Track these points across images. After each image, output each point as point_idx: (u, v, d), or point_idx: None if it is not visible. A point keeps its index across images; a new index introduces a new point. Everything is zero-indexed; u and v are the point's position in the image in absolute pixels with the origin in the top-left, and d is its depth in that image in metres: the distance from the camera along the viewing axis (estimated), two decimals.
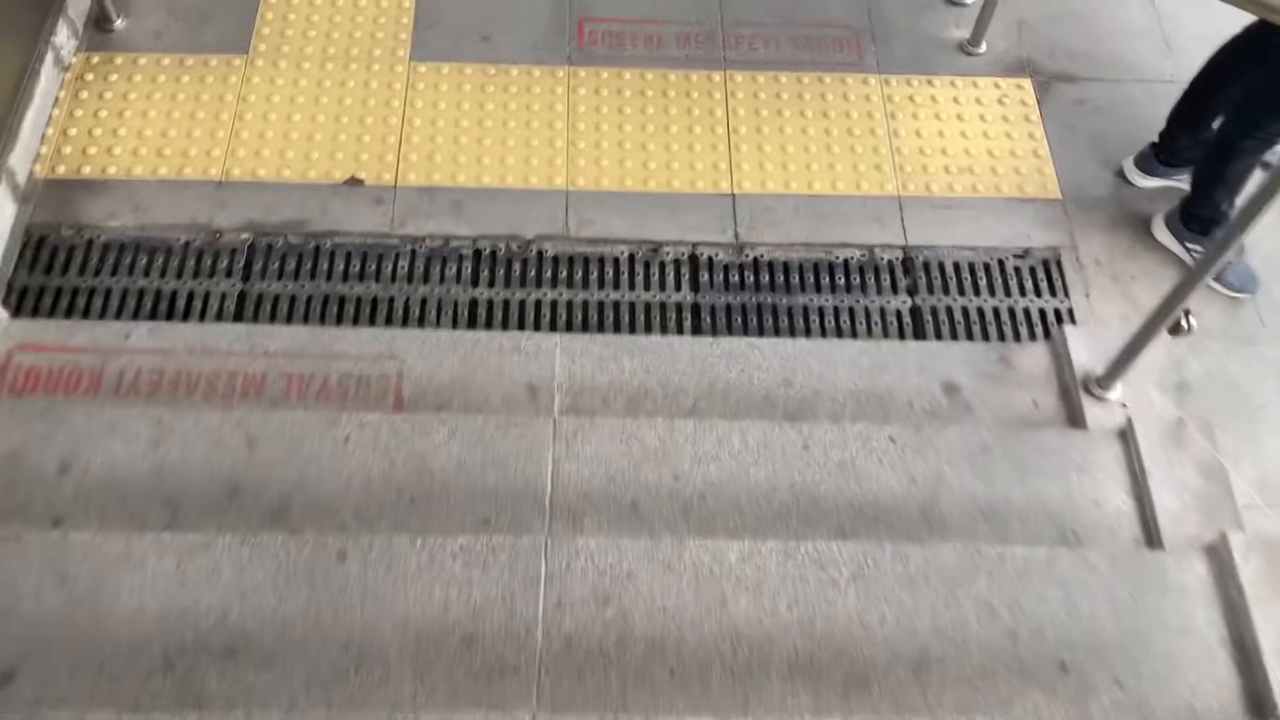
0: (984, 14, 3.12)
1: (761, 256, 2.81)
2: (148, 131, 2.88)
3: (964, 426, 2.30)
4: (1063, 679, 1.85)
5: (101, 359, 2.32)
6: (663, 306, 2.73)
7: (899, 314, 2.76)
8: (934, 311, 2.76)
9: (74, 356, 2.33)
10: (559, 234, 2.81)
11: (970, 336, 2.73)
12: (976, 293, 2.80)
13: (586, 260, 2.78)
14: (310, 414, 2.17)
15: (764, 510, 2.09)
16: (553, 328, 2.67)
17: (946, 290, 2.80)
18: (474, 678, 1.79)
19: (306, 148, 2.89)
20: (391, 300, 2.68)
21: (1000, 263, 2.85)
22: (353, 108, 2.97)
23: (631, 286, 2.76)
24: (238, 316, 2.63)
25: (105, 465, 2.06)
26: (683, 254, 2.81)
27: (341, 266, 2.72)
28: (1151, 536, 2.12)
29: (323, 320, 2.64)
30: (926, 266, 2.83)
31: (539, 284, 2.74)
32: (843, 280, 2.79)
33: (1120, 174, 3.00)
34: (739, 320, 2.71)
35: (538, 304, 2.71)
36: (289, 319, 2.64)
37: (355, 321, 2.65)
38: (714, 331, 2.69)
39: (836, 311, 2.75)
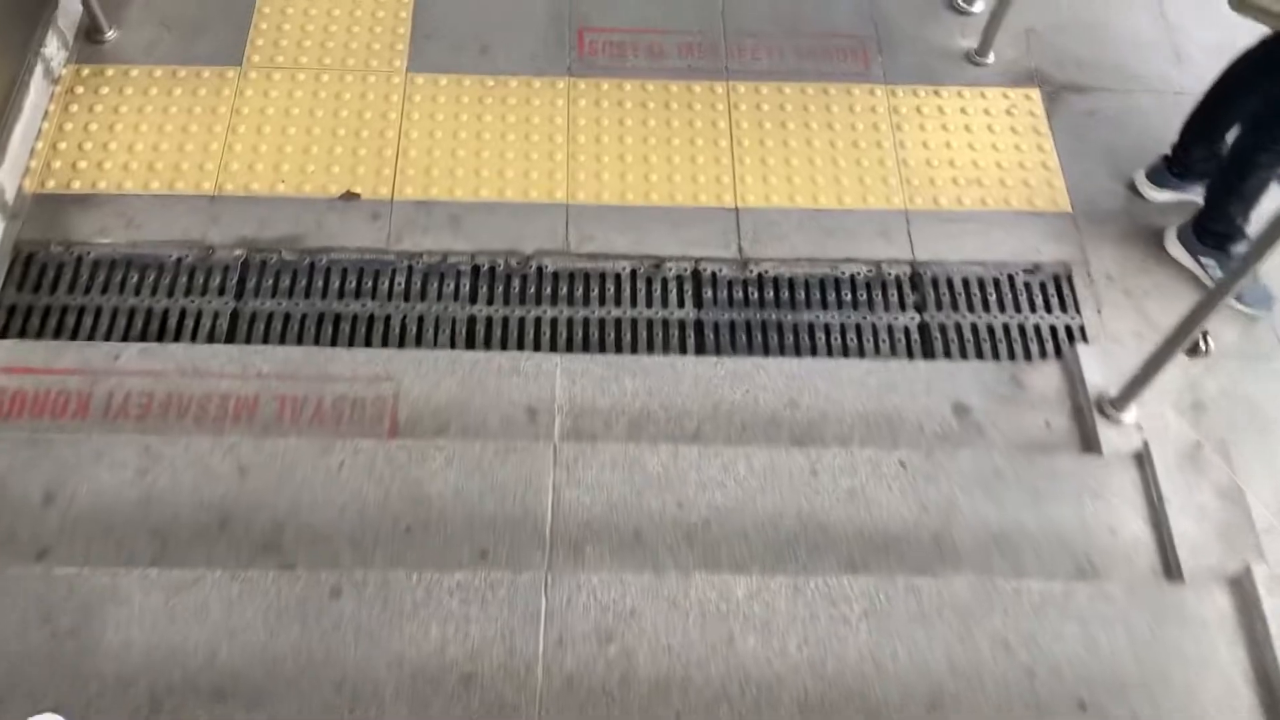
0: (992, 23, 3.06)
1: (766, 272, 2.75)
2: (139, 145, 2.82)
3: (975, 450, 2.24)
4: (1081, 718, 1.79)
5: (90, 381, 2.27)
6: (665, 323, 2.67)
7: (907, 331, 2.70)
8: (942, 328, 2.70)
9: (61, 379, 2.27)
10: (559, 249, 2.75)
11: (979, 353, 2.67)
12: (986, 309, 2.74)
13: (587, 276, 2.72)
14: (303, 440, 2.11)
15: (771, 539, 2.03)
16: (553, 345, 2.61)
17: (955, 306, 2.74)
18: (472, 718, 1.73)
19: (301, 161, 2.83)
20: (388, 318, 2.63)
21: (1010, 278, 2.79)
22: (348, 120, 2.91)
23: (633, 303, 2.70)
24: (230, 335, 2.57)
25: (92, 494, 2.00)
26: (685, 270, 2.75)
27: (337, 283, 2.66)
28: (1170, 565, 2.07)
29: (317, 338, 2.59)
30: (935, 282, 2.77)
31: (538, 301, 2.68)
32: (849, 296, 2.73)
33: (1131, 186, 2.94)
34: (743, 337, 2.65)
35: (537, 321, 2.65)
36: (283, 337, 2.58)
37: (351, 339, 2.59)
38: (717, 348, 2.63)
39: (843, 329, 2.69)
